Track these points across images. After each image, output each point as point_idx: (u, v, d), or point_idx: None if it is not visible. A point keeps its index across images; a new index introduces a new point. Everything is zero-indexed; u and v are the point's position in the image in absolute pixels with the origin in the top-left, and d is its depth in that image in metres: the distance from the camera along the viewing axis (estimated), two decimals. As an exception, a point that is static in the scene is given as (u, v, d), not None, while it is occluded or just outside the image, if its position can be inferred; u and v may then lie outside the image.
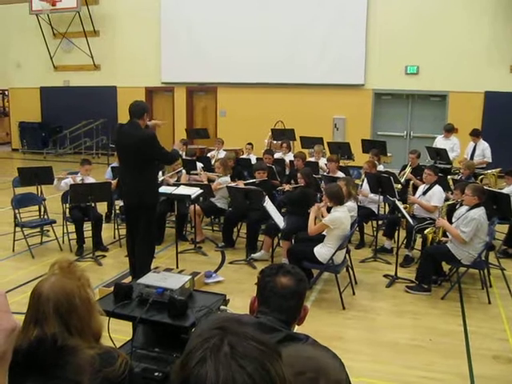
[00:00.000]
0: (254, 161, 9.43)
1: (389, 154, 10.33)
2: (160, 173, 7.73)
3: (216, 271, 6.61)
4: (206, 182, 7.89)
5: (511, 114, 12.91)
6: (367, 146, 10.28)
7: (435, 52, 13.35)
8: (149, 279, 3.53)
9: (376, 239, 7.51)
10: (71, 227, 7.42)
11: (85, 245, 7.35)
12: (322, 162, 9.51)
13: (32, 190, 7.82)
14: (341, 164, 9.15)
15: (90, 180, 7.50)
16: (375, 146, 9.75)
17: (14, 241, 7.35)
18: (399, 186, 7.81)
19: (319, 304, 5.70)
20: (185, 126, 15.21)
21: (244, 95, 15.25)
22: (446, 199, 6.99)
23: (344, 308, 5.56)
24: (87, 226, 7.33)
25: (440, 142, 10.28)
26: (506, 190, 7.46)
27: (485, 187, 6.69)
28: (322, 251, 5.75)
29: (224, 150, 10.50)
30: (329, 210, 6.00)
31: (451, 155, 9.77)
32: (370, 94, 14.38)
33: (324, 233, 5.84)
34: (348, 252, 6.22)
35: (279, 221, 6.27)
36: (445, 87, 13.51)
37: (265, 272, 2.20)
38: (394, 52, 13.72)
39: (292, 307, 2.11)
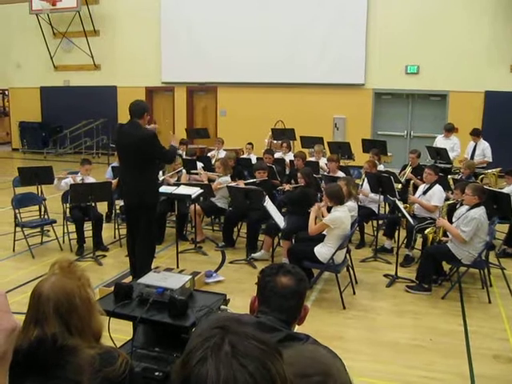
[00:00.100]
0: (254, 160, 9.43)
1: (389, 154, 10.33)
2: (160, 172, 7.73)
3: (216, 271, 6.61)
4: (206, 182, 7.88)
5: (511, 114, 12.91)
6: (367, 145, 10.28)
7: (435, 51, 13.35)
8: (149, 279, 3.53)
9: (376, 239, 7.51)
10: (71, 227, 7.42)
11: (85, 244, 7.36)
12: (323, 161, 9.51)
13: (32, 189, 7.81)
14: (341, 164, 9.15)
15: (91, 180, 7.50)
16: (375, 146, 9.74)
17: (15, 241, 7.35)
18: (399, 185, 7.82)
19: (319, 304, 5.70)
20: (185, 126, 15.21)
21: (244, 95, 15.25)
22: (447, 199, 6.99)
23: (344, 308, 5.56)
24: (87, 226, 7.33)
25: (440, 142, 10.28)
26: (506, 190, 7.46)
27: (485, 187, 6.70)
28: (322, 251, 5.75)
29: (224, 150, 10.50)
30: (329, 209, 6.00)
31: (451, 155, 9.77)
32: (370, 94, 14.39)
33: (324, 232, 5.84)
34: (348, 252, 6.22)
35: (279, 220, 6.27)
36: (445, 87, 13.52)
37: (265, 272, 2.20)
38: (394, 52, 13.72)
39: (292, 307, 2.11)
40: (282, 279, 2.12)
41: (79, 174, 7.58)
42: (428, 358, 4.51)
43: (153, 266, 5.60)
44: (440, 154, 9.62)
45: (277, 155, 9.93)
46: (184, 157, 9.32)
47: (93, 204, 7.13)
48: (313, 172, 7.58)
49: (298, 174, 7.26)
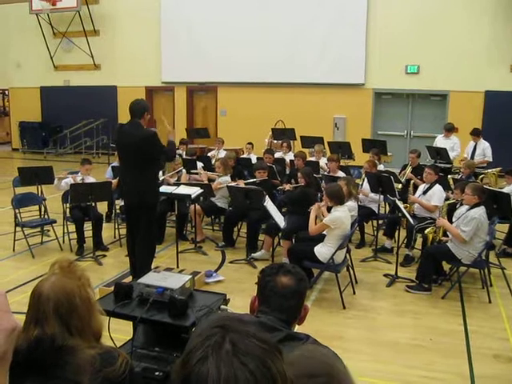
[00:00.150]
0: (254, 160, 9.43)
1: (389, 154, 10.33)
2: (160, 172, 7.72)
3: (216, 271, 6.61)
4: (206, 182, 7.88)
5: (511, 114, 12.91)
6: (367, 145, 10.28)
7: (435, 51, 13.34)
8: (149, 279, 3.53)
9: (376, 239, 7.51)
10: (71, 227, 7.42)
11: (85, 244, 7.36)
12: (323, 161, 9.51)
13: (32, 189, 7.81)
14: (341, 163, 9.15)
15: (91, 180, 7.50)
16: (375, 146, 9.75)
17: (15, 240, 7.35)
18: (399, 185, 7.82)
19: (320, 303, 5.70)
20: (185, 126, 15.21)
21: (244, 95, 15.25)
22: (447, 199, 6.99)
23: (344, 307, 5.56)
24: (87, 226, 7.33)
25: (440, 142, 10.28)
26: (506, 190, 7.46)
27: (485, 186, 6.70)
28: (322, 250, 5.75)
29: (224, 150, 10.50)
30: (329, 209, 6.00)
31: (451, 154, 9.77)
32: (370, 94, 14.38)
33: (324, 232, 5.84)
34: (348, 251, 6.22)
35: (279, 220, 6.26)
36: (445, 87, 13.51)
37: (265, 271, 2.20)
38: (395, 51, 13.72)
39: (292, 307, 2.11)
40: (282, 279, 2.12)
41: (79, 174, 7.58)
42: (428, 358, 4.51)
43: (153, 266, 5.60)
44: (440, 153, 9.62)
45: (277, 155, 9.93)
46: (184, 157, 9.33)
47: (93, 204, 7.13)
48: (313, 172, 7.58)
49: (299, 174, 7.26)
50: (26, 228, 7.40)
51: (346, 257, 6.03)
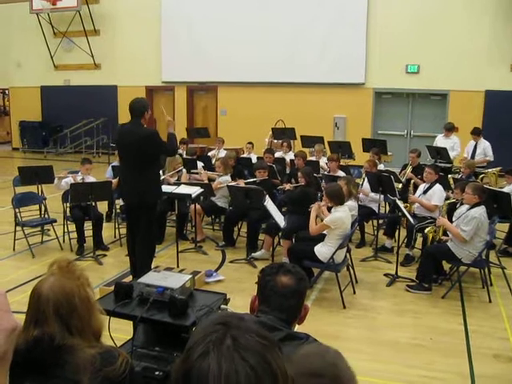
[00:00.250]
0: (254, 160, 9.43)
1: (389, 153, 10.33)
2: (160, 172, 7.71)
3: (216, 270, 6.61)
4: (206, 181, 7.88)
5: (511, 113, 12.90)
6: (368, 145, 10.28)
7: (436, 51, 13.34)
8: (149, 278, 3.53)
9: (376, 238, 7.52)
10: (72, 226, 7.42)
11: (85, 244, 7.36)
12: (323, 161, 9.50)
13: (32, 189, 7.82)
14: (341, 163, 9.14)
15: (91, 179, 7.50)
16: (376, 145, 9.75)
17: (15, 240, 7.35)
18: (400, 185, 7.82)
19: (320, 303, 5.70)
20: (185, 125, 15.20)
21: (244, 94, 15.25)
22: (447, 198, 6.99)
23: (344, 307, 5.56)
24: (88, 225, 7.33)
25: (440, 141, 10.28)
26: (506, 189, 7.46)
27: (485, 186, 6.70)
28: (322, 250, 5.75)
29: (224, 149, 10.50)
30: (329, 208, 6.00)
31: (451, 154, 9.77)
32: (370, 93, 14.38)
33: (325, 232, 5.84)
34: (348, 251, 6.22)
35: (280, 220, 6.26)
36: (445, 86, 13.50)
37: (265, 271, 2.20)
38: (395, 51, 13.71)
39: (292, 306, 2.11)
40: (282, 278, 2.13)
41: (79, 174, 7.58)
42: (428, 358, 4.51)
43: (153, 266, 5.61)
44: (440, 153, 9.61)
45: (277, 154, 9.93)
46: (184, 156, 9.32)
47: (93, 203, 7.13)
48: (313, 171, 7.58)
49: (299, 174, 7.26)
50: (26, 227, 7.40)
51: (346, 256, 6.03)
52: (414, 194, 7.34)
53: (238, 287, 5.93)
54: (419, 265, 6.21)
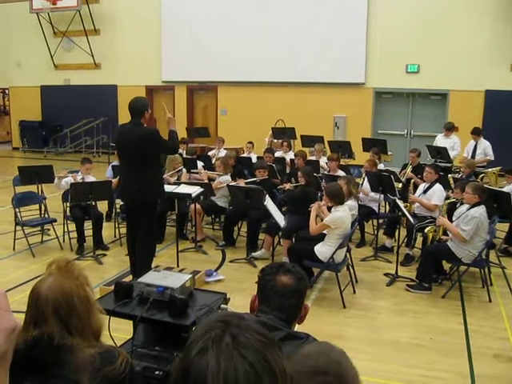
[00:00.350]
0: (254, 159, 9.42)
1: (389, 153, 10.33)
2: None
3: (216, 270, 6.61)
4: (206, 181, 7.88)
5: (511, 113, 12.90)
6: (368, 144, 10.28)
7: (436, 51, 13.33)
8: (149, 278, 3.53)
9: (376, 238, 7.52)
10: (72, 226, 7.42)
11: (85, 243, 7.36)
12: (323, 160, 9.50)
13: (32, 188, 7.82)
14: (341, 163, 9.13)
15: (91, 179, 7.50)
16: (376, 145, 9.75)
17: (15, 239, 7.35)
18: (400, 184, 7.82)
19: (320, 303, 5.70)
20: (185, 125, 15.19)
21: (245, 94, 15.25)
22: (447, 198, 6.99)
23: (344, 307, 5.56)
24: (88, 225, 7.33)
25: (440, 141, 10.28)
26: (506, 189, 7.46)
27: (485, 186, 6.70)
28: (322, 250, 5.75)
29: (224, 149, 10.50)
30: (329, 208, 6.00)
31: (452, 154, 9.77)
32: (370, 93, 14.38)
33: (325, 231, 5.84)
34: (349, 251, 6.22)
35: (280, 219, 6.26)
36: (445, 86, 13.50)
37: (265, 271, 2.20)
38: (395, 51, 13.71)
39: (292, 306, 2.11)
40: (283, 278, 2.13)
41: (79, 173, 7.58)
42: (428, 357, 4.51)
43: (153, 265, 5.61)
44: (440, 153, 9.61)
45: (277, 154, 9.93)
46: (184, 156, 9.32)
47: (93, 203, 7.13)
48: (313, 171, 7.58)
49: (299, 173, 7.26)
50: (26, 227, 7.40)
51: (346, 256, 6.03)
52: (414, 193, 7.33)
53: (238, 287, 5.93)
54: (419, 264, 6.21)
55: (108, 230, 7.93)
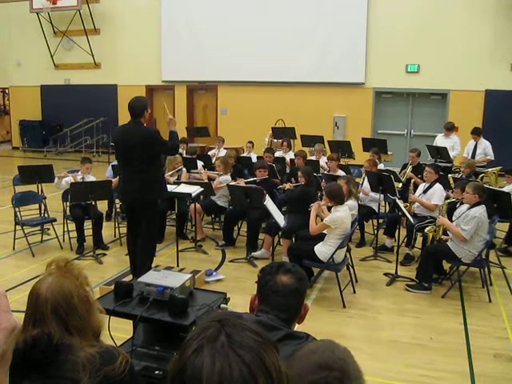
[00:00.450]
0: (254, 159, 9.43)
1: (389, 153, 10.34)
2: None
3: (216, 269, 6.61)
4: (206, 181, 7.88)
5: (511, 113, 12.90)
6: (368, 144, 10.28)
7: (436, 50, 13.34)
8: (149, 277, 3.53)
9: (376, 238, 7.52)
10: (72, 225, 7.42)
11: (85, 243, 7.36)
12: (323, 160, 9.50)
13: (32, 188, 7.82)
14: (341, 162, 9.14)
15: (91, 178, 7.50)
16: (376, 145, 9.74)
17: (15, 239, 7.35)
18: (400, 184, 7.82)
19: (320, 302, 5.70)
20: (185, 125, 15.20)
21: (245, 93, 15.25)
22: (447, 198, 6.99)
23: (344, 306, 5.56)
24: (88, 225, 7.33)
25: (440, 141, 10.28)
26: (506, 189, 7.46)
27: (485, 185, 6.70)
28: (322, 250, 5.75)
29: (225, 149, 10.51)
30: (329, 208, 6.00)
31: (452, 154, 9.77)
32: (370, 93, 14.37)
33: (325, 231, 5.84)
34: (348, 250, 6.21)
35: (280, 219, 6.26)
36: (445, 85, 13.49)
37: (265, 270, 2.20)
38: (395, 50, 13.70)
39: (292, 306, 2.11)
40: (282, 278, 2.13)
41: (79, 173, 7.58)
42: (428, 357, 4.51)
43: (153, 265, 5.61)
44: (440, 152, 9.62)
45: (277, 154, 9.93)
46: (184, 155, 9.32)
47: (93, 202, 7.13)
48: (313, 171, 7.58)
49: (299, 173, 7.26)
50: (26, 226, 7.40)
51: (346, 256, 6.03)
52: (413, 193, 7.33)
53: (237, 286, 5.93)
54: (419, 264, 6.20)
55: (108, 230, 7.93)
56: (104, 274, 6.37)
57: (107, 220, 8.32)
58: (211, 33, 15.18)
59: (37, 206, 7.85)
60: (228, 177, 7.96)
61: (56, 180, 7.44)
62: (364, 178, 7.89)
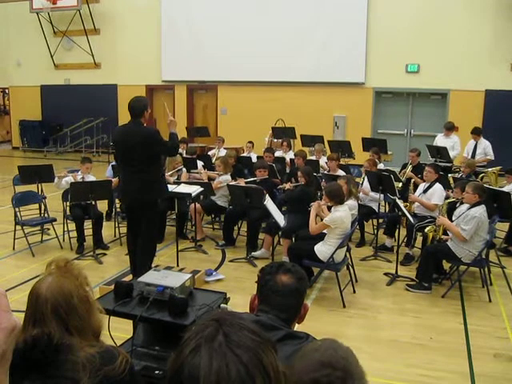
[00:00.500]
0: (254, 159, 9.43)
1: (389, 153, 10.34)
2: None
3: (216, 269, 6.61)
4: (206, 181, 7.88)
5: (511, 113, 12.90)
6: (367, 144, 10.28)
7: (436, 50, 13.34)
8: (149, 277, 3.53)
9: (376, 237, 7.52)
10: (72, 225, 7.42)
11: (85, 243, 7.36)
12: (323, 160, 9.50)
13: (32, 188, 7.82)
14: (341, 162, 9.14)
15: (91, 178, 7.50)
16: (376, 145, 9.74)
17: (15, 239, 7.35)
18: (400, 184, 7.82)
19: (320, 302, 5.70)
20: (185, 124, 15.20)
21: (245, 93, 15.25)
22: (447, 197, 6.98)
23: (344, 306, 5.56)
24: (88, 224, 7.33)
25: (440, 141, 10.29)
26: (506, 189, 7.46)
27: (485, 185, 6.70)
28: (322, 249, 5.75)
29: (224, 149, 10.51)
30: (329, 208, 6.00)
31: (452, 153, 9.77)
32: (370, 93, 14.38)
33: (324, 231, 5.84)
34: (348, 250, 6.21)
35: (280, 219, 6.26)
36: (445, 85, 13.50)
37: (265, 270, 2.20)
38: (395, 50, 13.70)
39: (292, 305, 2.11)
40: (282, 278, 2.13)
41: (79, 173, 7.58)
42: (428, 357, 4.51)
43: (153, 265, 5.60)
44: (440, 152, 9.62)
45: (277, 154, 9.92)
46: (184, 155, 9.32)
47: (93, 202, 7.13)
48: (313, 171, 7.58)
49: (299, 173, 7.26)
50: (26, 226, 7.40)
51: (346, 255, 6.03)
52: (413, 193, 7.34)
53: (237, 286, 5.93)
54: (419, 264, 6.20)
55: (108, 230, 7.93)
56: (104, 274, 6.37)
57: (107, 220, 8.32)
58: (211, 33, 15.18)
59: (37, 205, 7.85)
60: (228, 177, 7.96)
61: (56, 180, 7.44)
62: (364, 178, 7.89)
